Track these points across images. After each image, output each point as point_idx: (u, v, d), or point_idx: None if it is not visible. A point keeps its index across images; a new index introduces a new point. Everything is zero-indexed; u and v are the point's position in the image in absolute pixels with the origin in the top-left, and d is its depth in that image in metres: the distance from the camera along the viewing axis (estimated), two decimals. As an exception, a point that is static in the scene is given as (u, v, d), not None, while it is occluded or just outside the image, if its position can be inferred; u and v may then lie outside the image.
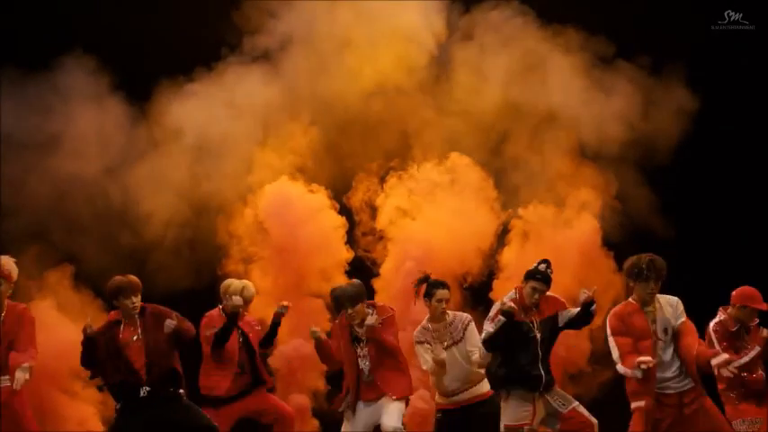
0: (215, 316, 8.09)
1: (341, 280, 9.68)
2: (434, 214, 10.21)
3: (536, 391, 7.20)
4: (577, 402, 7.35)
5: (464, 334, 7.69)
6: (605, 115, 10.34)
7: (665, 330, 6.92)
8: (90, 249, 10.13)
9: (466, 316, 7.82)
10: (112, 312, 7.21)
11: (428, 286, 7.68)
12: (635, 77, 10.44)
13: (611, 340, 7.01)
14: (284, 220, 10.15)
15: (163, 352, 7.03)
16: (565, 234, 10.08)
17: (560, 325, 7.31)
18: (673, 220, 10.22)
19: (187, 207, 10.25)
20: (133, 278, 7.11)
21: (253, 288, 8.25)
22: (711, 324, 7.72)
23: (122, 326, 7.06)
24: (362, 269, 10.20)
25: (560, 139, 10.43)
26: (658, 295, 6.98)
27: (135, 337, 7.01)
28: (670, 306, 6.96)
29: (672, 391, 6.90)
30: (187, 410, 7.12)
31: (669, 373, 6.91)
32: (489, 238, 10.20)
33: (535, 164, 10.42)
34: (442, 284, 7.71)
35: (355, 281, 7.67)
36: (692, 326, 6.96)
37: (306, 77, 10.48)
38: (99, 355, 7.00)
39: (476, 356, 7.56)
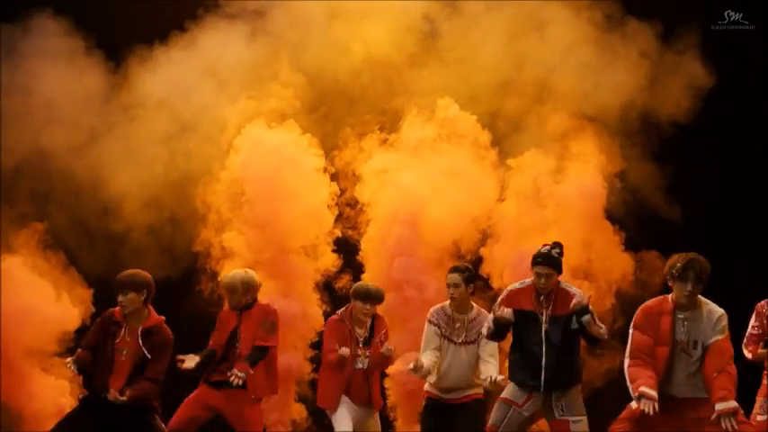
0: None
1: (325, 241, 9.61)
2: (425, 173, 9.72)
3: (532, 389, 6.68)
4: (582, 419, 6.74)
5: (478, 337, 7.15)
6: (608, 84, 9.80)
7: (695, 344, 6.13)
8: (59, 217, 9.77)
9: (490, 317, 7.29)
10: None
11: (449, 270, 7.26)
12: (644, 44, 9.89)
13: (630, 332, 6.32)
14: (264, 168, 9.60)
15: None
16: (566, 190, 9.58)
17: (573, 327, 6.67)
18: (677, 200, 9.77)
19: (161, 183, 9.74)
20: (123, 274, 6.69)
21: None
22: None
23: (123, 329, 6.63)
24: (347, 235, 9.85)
25: (559, 110, 9.88)
26: (704, 302, 6.19)
27: (125, 351, 6.57)
28: (710, 318, 6.13)
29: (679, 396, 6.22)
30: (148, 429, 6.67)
31: (681, 392, 6.21)
32: (487, 202, 9.68)
33: (532, 133, 9.89)
34: (458, 269, 7.17)
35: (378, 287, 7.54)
36: (724, 348, 6.10)
37: (290, 47, 10.01)
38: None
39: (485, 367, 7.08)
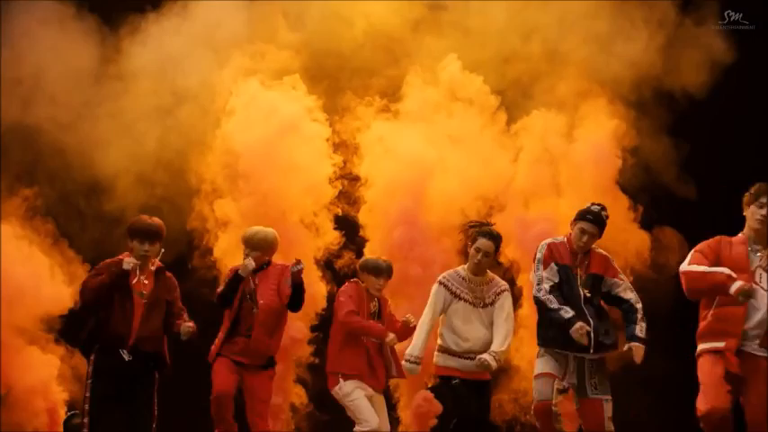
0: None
1: (326, 209, 9.34)
2: (429, 139, 9.40)
3: (576, 350, 6.35)
4: (609, 398, 6.51)
5: (495, 300, 6.88)
6: (622, 54, 9.45)
7: None
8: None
9: (503, 284, 7.02)
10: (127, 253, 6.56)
11: (474, 230, 6.87)
12: (661, 14, 9.54)
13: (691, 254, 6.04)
14: (260, 132, 9.23)
15: (157, 325, 6.51)
16: (578, 150, 9.25)
17: (604, 290, 6.49)
18: (692, 179, 9.46)
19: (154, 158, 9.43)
20: (154, 222, 6.53)
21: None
22: None
23: (137, 274, 6.47)
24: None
25: (569, 77, 9.51)
26: None
27: (144, 293, 6.45)
28: None
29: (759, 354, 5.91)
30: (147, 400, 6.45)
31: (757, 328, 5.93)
32: (496, 170, 9.33)
33: (541, 99, 9.53)
34: (491, 235, 6.81)
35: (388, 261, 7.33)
36: None
37: (289, 17, 9.67)
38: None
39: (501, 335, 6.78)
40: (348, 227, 9.52)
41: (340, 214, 9.49)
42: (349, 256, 9.43)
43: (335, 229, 9.44)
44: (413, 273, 9.03)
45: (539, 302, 6.46)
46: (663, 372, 8.50)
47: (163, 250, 6.57)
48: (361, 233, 9.46)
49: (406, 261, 9.08)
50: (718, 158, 9.50)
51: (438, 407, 8.85)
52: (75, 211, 9.51)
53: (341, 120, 9.50)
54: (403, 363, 6.92)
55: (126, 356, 6.35)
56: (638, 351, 6.37)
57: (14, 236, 9.15)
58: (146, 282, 6.47)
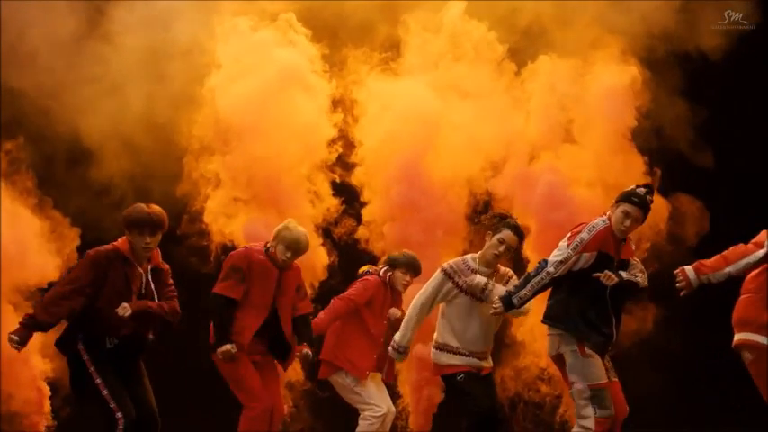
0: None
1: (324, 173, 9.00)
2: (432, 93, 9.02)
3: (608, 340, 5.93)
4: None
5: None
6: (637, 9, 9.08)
7: None
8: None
9: (509, 272, 6.55)
10: (122, 240, 5.97)
11: (499, 220, 6.38)
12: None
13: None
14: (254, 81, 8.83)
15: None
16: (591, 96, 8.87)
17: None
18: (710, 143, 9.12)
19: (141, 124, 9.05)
20: (154, 212, 5.91)
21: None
22: None
23: (135, 267, 5.91)
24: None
25: (581, 30, 9.11)
26: None
27: (141, 289, 5.92)
28: None
29: None
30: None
31: None
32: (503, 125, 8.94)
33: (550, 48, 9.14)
34: (518, 229, 6.37)
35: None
36: None
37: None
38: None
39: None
40: (347, 193, 9.22)
41: (338, 181, 9.20)
42: (349, 224, 9.16)
43: (334, 195, 9.13)
44: (414, 235, 8.75)
45: (545, 277, 5.90)
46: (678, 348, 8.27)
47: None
48: (361, 197, 9.17)
49: (406, 222, 8.82)
50: (737, 124, 9.23)
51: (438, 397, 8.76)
52: (59, 181, 9.21)
53: (339, 73, 9.16)
54: (389, 350, 6.59)
55: (111, 343, 5.86)
56: None
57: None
58: (142, 278, 5.95)
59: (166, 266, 6.08)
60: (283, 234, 6.39)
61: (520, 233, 6.37)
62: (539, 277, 5.86)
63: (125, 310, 5.78)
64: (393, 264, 6.92)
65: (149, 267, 5.95)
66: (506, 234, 6.28)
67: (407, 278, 6.89)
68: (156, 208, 5.94)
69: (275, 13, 8.92)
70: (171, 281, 6.07)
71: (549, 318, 5.99)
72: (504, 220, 6.35)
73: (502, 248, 6.28)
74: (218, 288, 6.35)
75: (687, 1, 9.08)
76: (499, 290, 6.20)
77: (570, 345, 5.88)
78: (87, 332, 5.87)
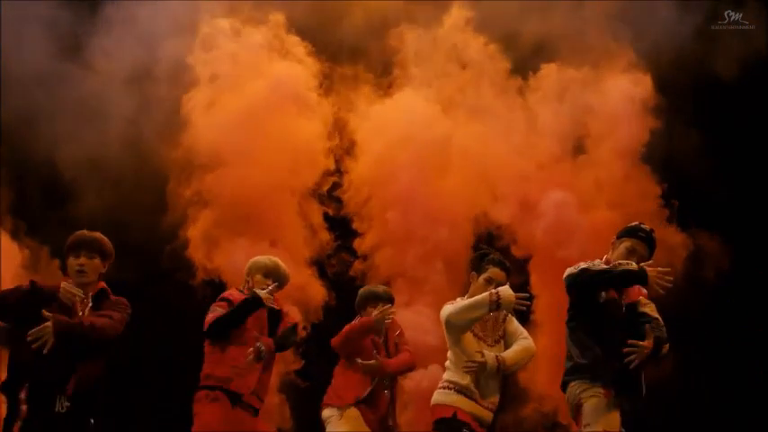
0: None
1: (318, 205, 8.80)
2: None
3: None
4: None
5: (504, 328, 5.96)
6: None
7: None
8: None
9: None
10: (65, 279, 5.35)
11: (481, 258, 5.91)
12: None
13: None
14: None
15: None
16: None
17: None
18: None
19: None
20: (89, 233, 5.32)
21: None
22: None
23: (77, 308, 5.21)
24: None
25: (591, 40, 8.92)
26: None
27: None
28: None
29: None
30: None
31: None
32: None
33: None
34: (504, 264, 5.88)
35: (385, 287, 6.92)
36: None
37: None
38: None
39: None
40: (342, 227, 8.97)
41: (331, 214, 8.94)
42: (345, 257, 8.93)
43: (328, 229, 8.89)
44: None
45: (588, 279, 5.27)
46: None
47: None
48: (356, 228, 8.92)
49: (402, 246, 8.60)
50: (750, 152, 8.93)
51: None
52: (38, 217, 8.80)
53: (332, 96, 8.96)
54: None
55: (62, 406, 5.07)
56: None
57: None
58: (87, 311, 5.23)
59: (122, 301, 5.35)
60: (257, 265, 6.12)
61: (506, 267, 5.88)
62: (593, 278, 5.27)
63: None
64: (363, 304, 6.55)
65: (90, 294, 5.22)
66: (493, 272, 5.81)
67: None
68: (95, 233, 5.33)
69: (265, 31, 8.76)
70: (113, 297, 5.30)
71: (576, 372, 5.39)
72: (486, 257, 5.89)
73: (492, 288, 5.74)
74: (208, 319, 5.87)
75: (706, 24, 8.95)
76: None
77: (596, 389, 5.30)
78: (32, 384, 5.09)
